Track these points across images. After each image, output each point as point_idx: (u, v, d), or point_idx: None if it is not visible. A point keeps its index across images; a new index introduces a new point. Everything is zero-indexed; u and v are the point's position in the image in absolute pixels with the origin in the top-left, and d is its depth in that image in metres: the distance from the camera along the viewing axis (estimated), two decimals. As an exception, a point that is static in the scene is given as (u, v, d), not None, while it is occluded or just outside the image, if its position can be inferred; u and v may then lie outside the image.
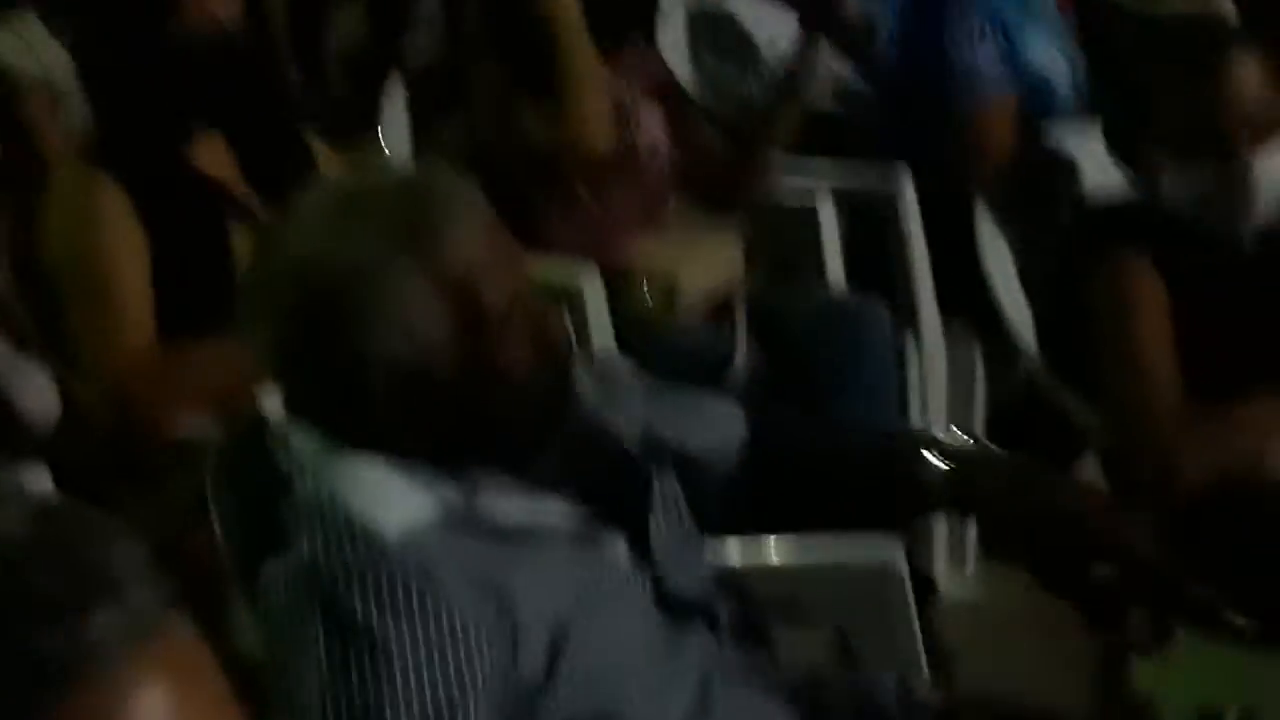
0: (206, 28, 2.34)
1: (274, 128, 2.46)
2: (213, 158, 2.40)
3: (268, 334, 1.45)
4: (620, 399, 1.62)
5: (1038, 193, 2.55)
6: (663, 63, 3.11)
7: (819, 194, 3.18)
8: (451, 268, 1.40)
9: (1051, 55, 3.18)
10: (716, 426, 1.68)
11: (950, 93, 3.10)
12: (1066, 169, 2.54)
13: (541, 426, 1.48)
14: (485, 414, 1.43)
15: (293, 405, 1.48)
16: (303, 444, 1.45)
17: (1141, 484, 2.14)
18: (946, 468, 1.59)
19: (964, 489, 1.60)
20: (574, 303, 2.72)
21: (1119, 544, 1.54)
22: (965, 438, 1.63)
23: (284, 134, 2.50)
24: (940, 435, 1.63)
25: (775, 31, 3.63)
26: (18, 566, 0.77)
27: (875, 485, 1.68)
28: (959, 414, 3.14)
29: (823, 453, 1.71)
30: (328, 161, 2.52)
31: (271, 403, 1.57)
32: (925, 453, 1.60)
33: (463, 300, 1.40)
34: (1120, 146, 2.32)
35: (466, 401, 1.41)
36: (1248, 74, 2.19)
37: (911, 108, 3.20)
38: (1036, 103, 3.12)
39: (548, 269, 2.70)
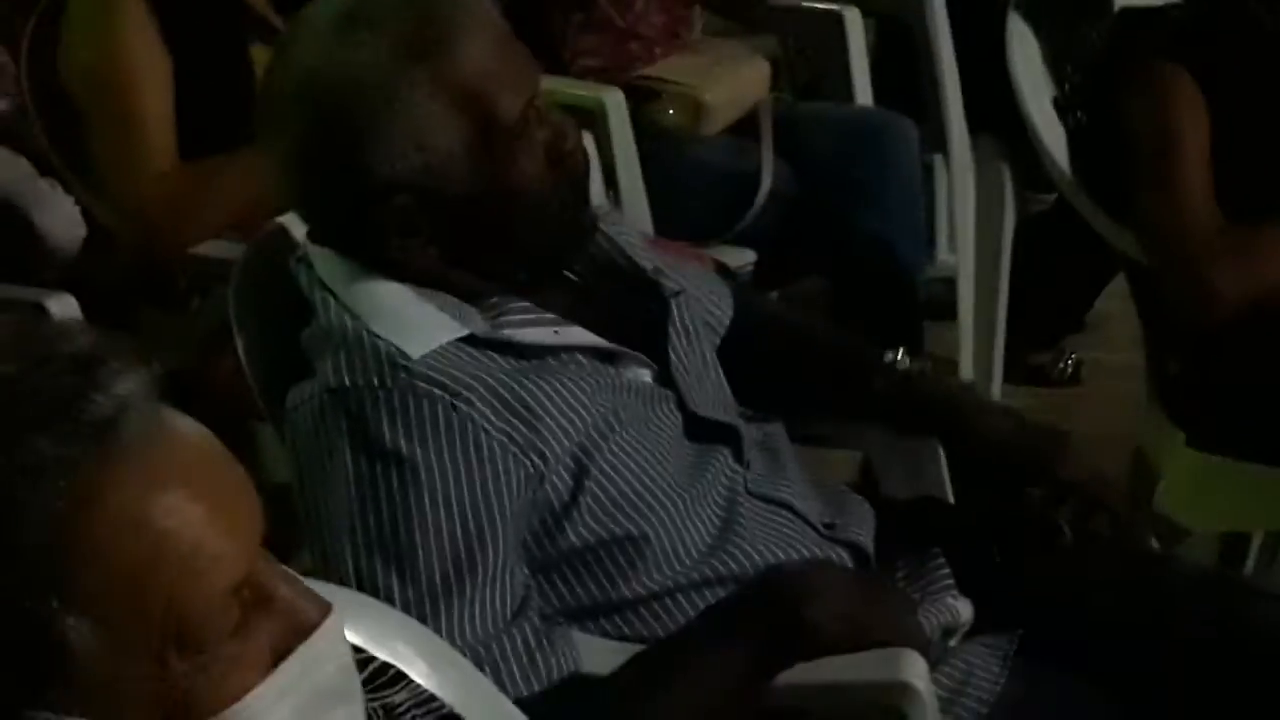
0: None
1: None
2: None
3: (282, 154, 1.42)
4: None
5: (1071, 1, 2.49)
6: None
7: (845, 1, 3.12)
8: (463, 78, 1.37)
9: None
10: (712, 295, 1.68)
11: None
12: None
13: (561, 241, 1.47)
14: (503, 230, 1.41)
15: (313, 230, 1.47)
16: (325, 269, 1.44)
17: (1177, 305, 2.12)
18: (891, 385, 1.63)
19: (907, 409, 1.64)
20: (597, 121, 2.68)
21: (1047, 470, 1.57)
22: (918, 363, 1.66)
23: None
24: (894, 358, 1.65)
25: None
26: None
27: (830, 386, 1.70)
28: (987, 233, 3.12)
29: (787, 350, 1.72)
30: None
31: (293, 225, 1.56)
32: (876, 370, 1.64)
33: (475, 112, 1.38)
34: None
35: (483, 217, 1.40)
36: None
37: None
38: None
39: (569, 87, 2.67)
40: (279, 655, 0.87)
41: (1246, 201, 2.09)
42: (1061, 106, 2.44)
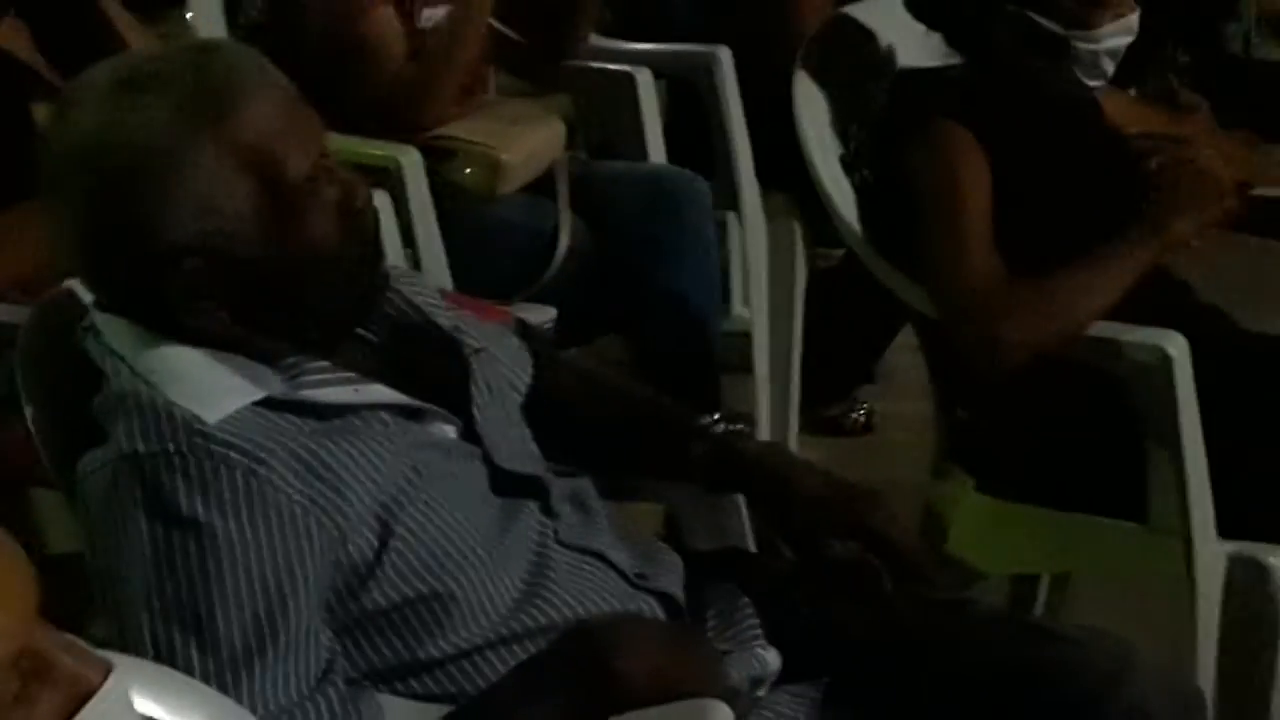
0: None
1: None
2: (11, 34, 2.30)
3: (66, 220, 1.39)
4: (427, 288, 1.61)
5: (847, 61, 2.55)
6: None
7: (637, 63, 3.17)
8: (249, 140, 1.36)
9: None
10: (512, 358, 1.67)
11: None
12: (869, 35, 2.55)
13: (353, 299, 1.46)
14: (294, 290, 1.40)
15: (100, 297, 1.43)
16: (115, 337, 1.41)
17: (966, 356, 2.18)
18: (708, 448, 1.64)
19: (722, 471, 1.65)
20: (393, 180, 2.67)
21: (858, 524, 1.59)
22: (732, 423, 1.68)
23: (83, 7, 2.39)
24: (707, 420, 1.67)
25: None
26: None
27: (647, 448, 1.71)
28: (780, 286, 3.18)
29: (600, 412, 1.72)
30: (134, 36, 2.42)
31: (79, 289, 1.52)
32: (694, 433, 1.65)
33: (263, 173, 1.36)
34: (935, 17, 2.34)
35: (274, 278, 1.38)
36: None
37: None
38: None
39: (363, 146, 2.65)
40: None
41: (1028, 254, 2.16)
42: (848, 164, 2.50)
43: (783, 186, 3.09)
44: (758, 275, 3.18)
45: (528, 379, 1.66)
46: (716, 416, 1.67)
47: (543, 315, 2.68)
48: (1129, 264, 2.15)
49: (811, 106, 2.52)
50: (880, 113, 2.37)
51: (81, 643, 0.91)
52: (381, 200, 2.61)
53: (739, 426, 1.69)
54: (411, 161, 2.69)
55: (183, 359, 1.38)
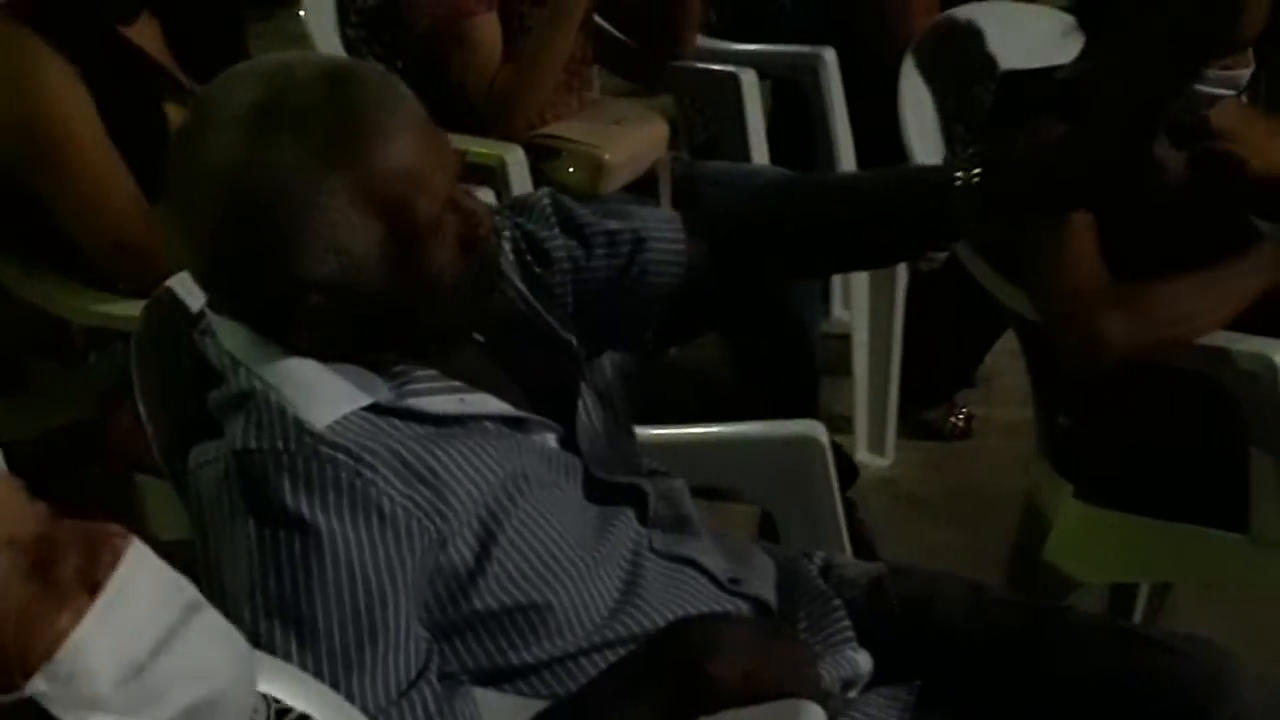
0: None
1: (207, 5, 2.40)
2: (145, 33, 2.33)
3: (195, 239, 1.40)
4: (552, 255, 1.59)
5: (954, 60, 2.53)
6: None
7: (741, 63, 3.18)
8: (382, 185, 1.36)
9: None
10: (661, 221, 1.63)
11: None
12: (978, 35, 2.53)
13: (468, 322, 1.47)
14: (411, 317, 1.41)
15: (221, 307, 1.45)
16: (232, 342, 1.43)
17: (1068, 356, 2.15)
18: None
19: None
20: (497, 177, 2.70)
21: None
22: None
23: (217, 11, 2.44)
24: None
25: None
26: None
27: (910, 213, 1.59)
28: (881, 290, 3.17)
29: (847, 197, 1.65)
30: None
31: (185, 291, 1.55)
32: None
33: (393, 217, 1.37)
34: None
35: (394, 309, 1.40)
36: None
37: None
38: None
39: (470, 144, 2.68)
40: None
41: (1128, 264, 2.14)
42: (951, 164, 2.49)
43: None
44: (858, 278, 3.17)
45: (679, 251, 1.60)
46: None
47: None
48: (1241, 285, 2.13)
49: (916, 107, 2.52)
50: (984, 114, 2.36)
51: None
52: (486, 197, 2.65)
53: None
54: (516, 159, 2.72)
55: (296, 365, 1.41)
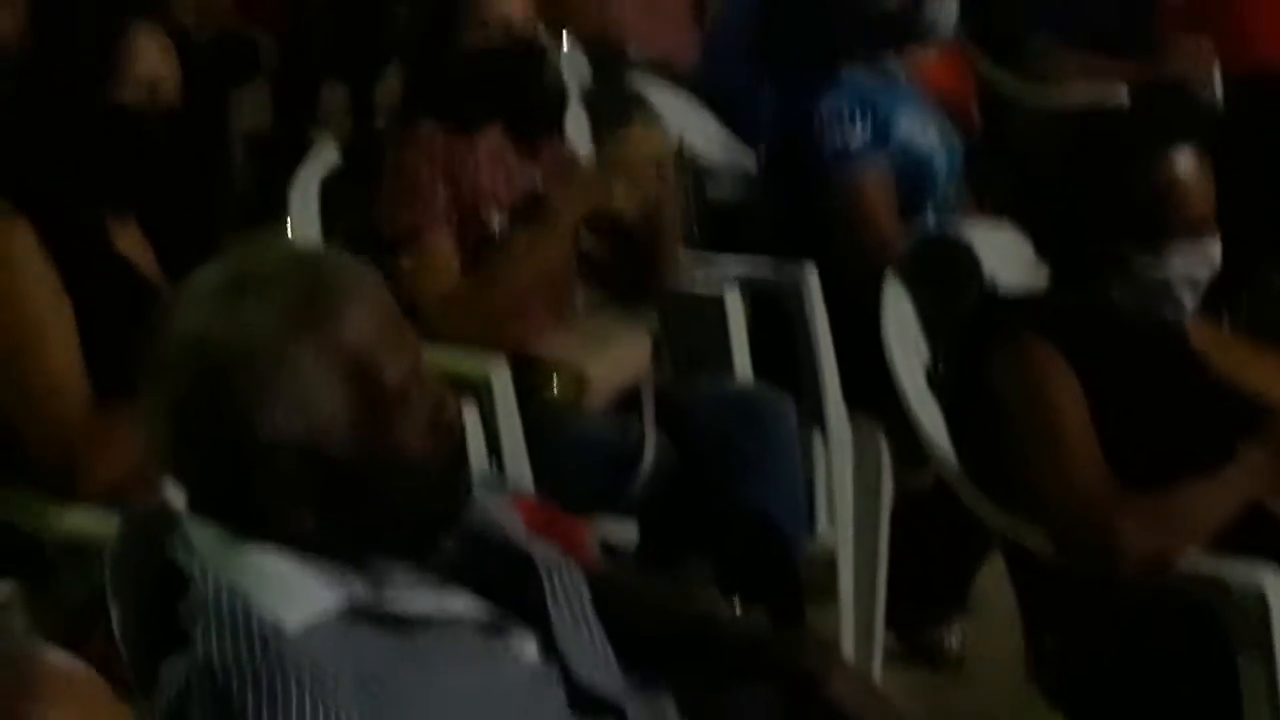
0: (143, 98, 2.31)
1: (192, 211, 2.43)
2: (130, 242, 2.36)
3: (165, 412, 1.41)
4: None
5: (939, 276, 2.56)
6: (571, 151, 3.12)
7: (726, 284, 3.20)
8: (350, 345, 1.39)
9: (927, 137, 3.24)
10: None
11: (823, 175, 3.15)
12: (967, 254, 2.56)
13: (439, 509, 1.47)
14: (382, 496, 1.41)
15: (191, 496, 1.45)
16: (202, 538, 1.42)
17: (1085, 565, 2.12)
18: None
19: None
20: (480, 391, 2.70)
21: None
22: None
23: (202, 220, 2.47)
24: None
25: (684, 119, 3.68)
26: None
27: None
28: (866, 509, 3.14)
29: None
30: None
31: (171, 495, 1.53)
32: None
33: (361, 379, 1.39)
34: (1037, 240, 2.35)
35: (363, 482, 1.40)
36: (1185, 169, 2.22)
37: (797, 196, 3.24)
38: (915, 175, 3.18)
39: (452, 357, 2.69)
40: None
41: (1133, 479, 2.12)
42: (936, 384, 2.49)
43: (869, 405, 3.08)
44: (843, 496, 3.15)
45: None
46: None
47: (626, 533, 2.67)
48: (1241, 490, 2.11)
49: (899, 323, 2.53)
50: (967, 332, 2.37)
51: None
52: (469, 410, 2.64)
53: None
54: (500, 374, 2.72)
55: (268, 560, 1.39)
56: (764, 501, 2.75)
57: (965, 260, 2.55)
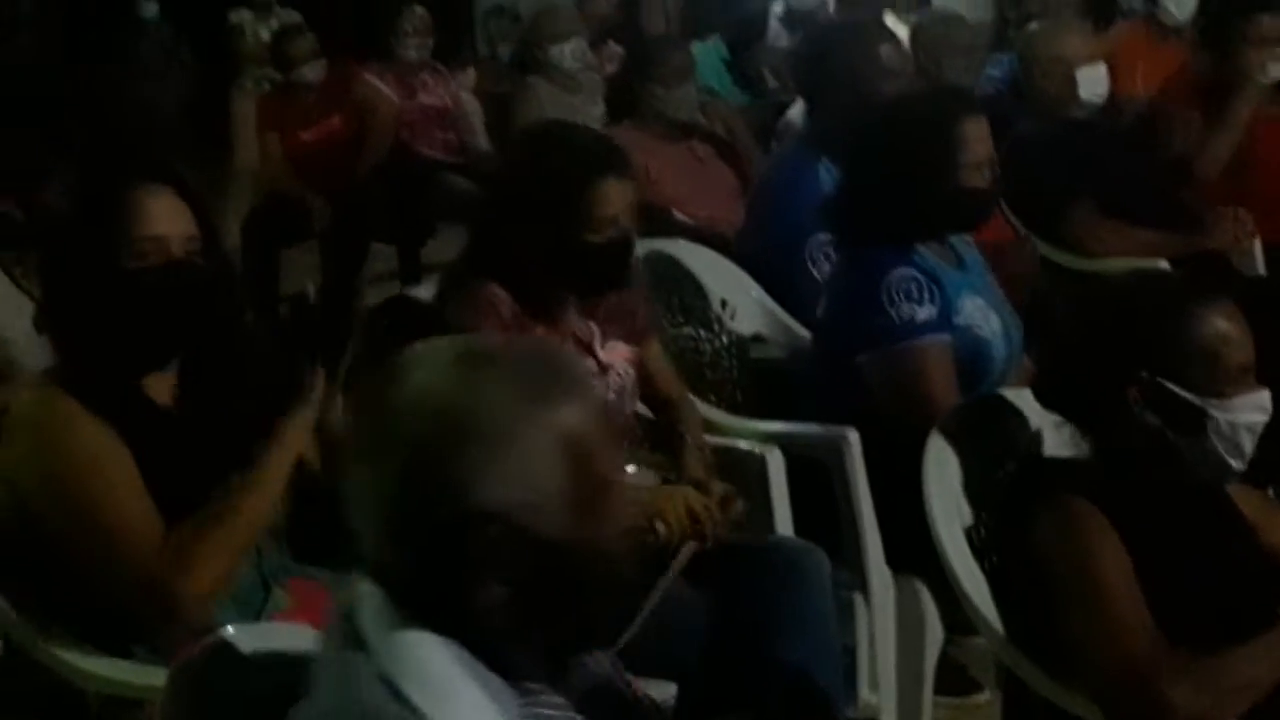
0: (163, 258, 2.30)
1: (230, 363, 2.43)
2: (161, 390, 2.37)
3: (379, 472, 1.44)
4: None
5: (984, 437, 2.56)
6: (638, 305, 3.12)
7: (767, 443, 3.21)
8: (574, 428, 1.44)
9: (989, 324, 3.24)
10: None
11: (887, 343, 3.15)
12: (1014, 415, 2.56)
13: (622, 607, 1.52)
14: (578, 582, 1.45)
15: (386, 557, 1.45)
16: (371, 612, 1.42)
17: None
18: None
19: None
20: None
21: None
22: None
23: (239, 371, 2.46)
24: None
25: (728, 284, 3.72)
26: None
27: None
28: (908, 674, 3.11)
29: None
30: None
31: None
32: None
33: (579, 462, 1.44)
34: (1066, 404, 2.35)
35: (565, 565, 1.43)
36: (1225, 324, 2.23)
37: (851, 361, 3.24)
38: (974, 359, 3.18)
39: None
40: None
41: (1176, 642, 2.10)
42: (978, 548, 2.48)
43: (912, 569, 3.07)
44: (885, 658, 3.12)
45: None
46: None
47: (664, 691, 2.65)
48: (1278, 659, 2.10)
49: (942, 483, 2.53)
50: (1012, 494, 2.37)
51: None
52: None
53: None
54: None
55: (436, 656, 1.41)
56: (800, 654, 2.71)
57: (1012, 421, 2.56)
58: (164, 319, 2.32)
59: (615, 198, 2.85)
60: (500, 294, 2.86)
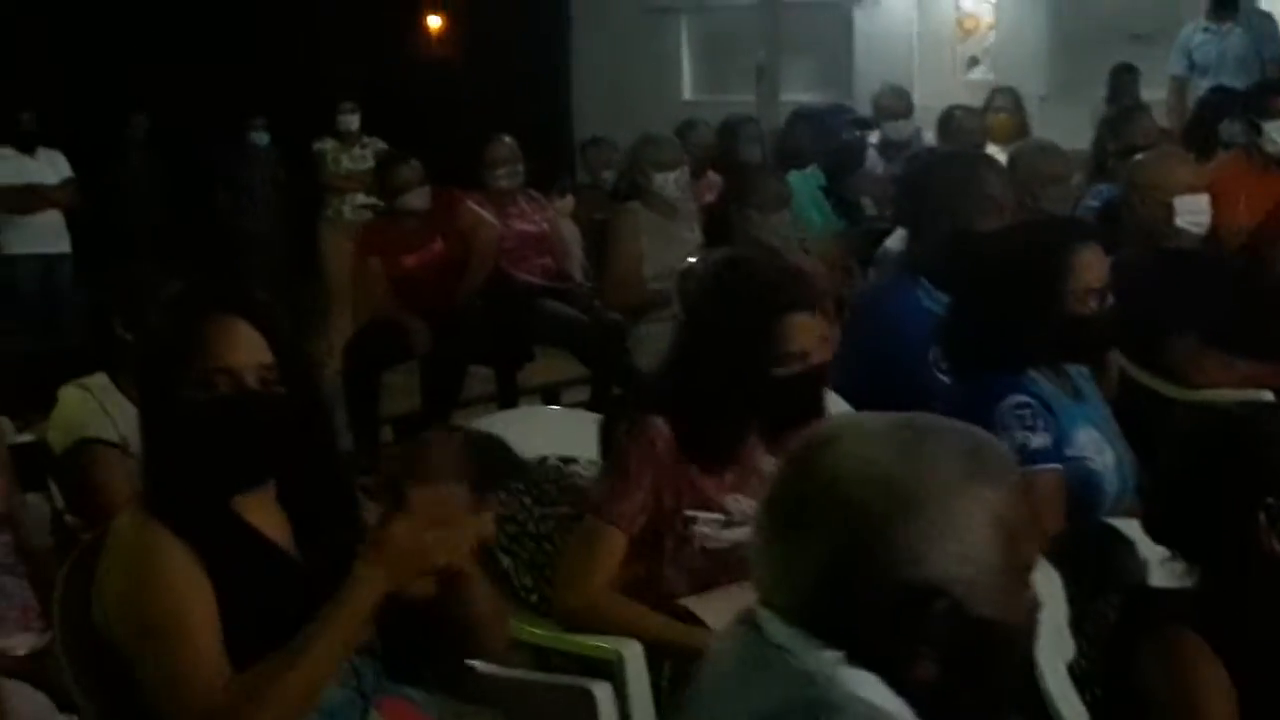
0: (234, 388, 2.30)
1: (324, 485, 2.44)
2: (263, 514, 2.38)
3: (814, 540, 1.44)
4: None
5: (1093, 567, 2.52)
6: None
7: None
8: (1011, 508, 1.45)
9: (1102, 458, 3.20)
10: None
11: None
12: (1122, 544, 2.52)
13: (1018, 690, 1.52)
14: (1003, 662, 1.45)
15: (811, 623, 1.44)
16: (815, 658, 1.42)
17: None
18: None
19: None
20: (614, 670, 2.68)
21: None
22: None
23: (335, 492, 2.46)
24: None
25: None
26: None
27: None
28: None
29: None
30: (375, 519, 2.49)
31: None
32: None
33: (1011, 543, 1.44)
34: (1178, 535, 2.31)
35: (995, 644, 1.43)
36: None
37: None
38: (1084, 491, 3.13)
39: (586, 640, 2.68)
40: None
41: None
42: (1079, 679, 2.44)
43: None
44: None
45: None
46: None
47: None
48: None
49: (1046, 616, 2.48)
50: (1116, 625, 2.33)
51: None
52: (602, 691, 2.63)
53: None
54: (633, 654, 2.71)
55: (888, 699, 1.40)
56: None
57: (1119, 550, 2.52)
58: (232, 448, 2.32)
59: (804, 331, 2.83)
60: (663, 430, 2.83)
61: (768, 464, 2.84)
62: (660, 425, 2.82)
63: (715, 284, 2.97)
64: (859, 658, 1.42)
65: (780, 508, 1.48)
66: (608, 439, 2.92)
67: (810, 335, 2.83)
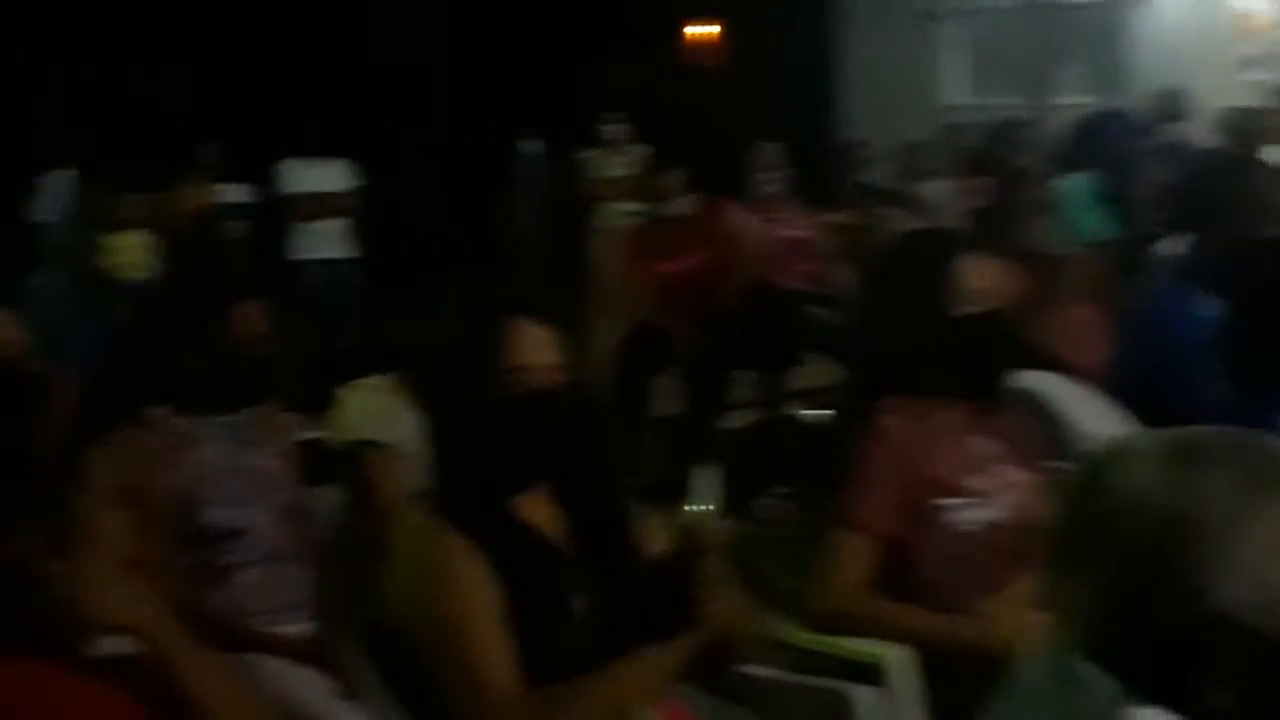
0: (528, 387, 2.36)
1: (599, 486, 2.48)
2: (539, 511, 2.42)
3: (1094, 576, 1.42)
4: None
5: None
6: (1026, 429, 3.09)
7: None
8: None
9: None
10: None
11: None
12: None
13: None
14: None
15: (1101, 658, 1.42)
16: (1102, 689, 1.39)
17: None
18: None
19: None
20: (882, 676, 2.67)
21: None
22: None
23: (608, 493, 2.50)
24: None
25: (1094, 417, 3.64)
26: None
27: None
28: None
29: None
30: (649, 525, 2.51)
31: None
32: None
33: None
34: None
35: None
36: None
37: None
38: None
39: (851, 644, 2.68)
40: None
41: None
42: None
43: None
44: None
45: None
46: None
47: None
48: None
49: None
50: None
51: None
52: (861, 695, 2.63)
53: None
54: (898, 658, 2.69)
55: None
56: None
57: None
58: (529, 445, 2.38)
59: (975, 272, 2.90)
60: (894, 423, 2.87)
61: (978, 444, 2.89)
62: (890, 418, 2.86)
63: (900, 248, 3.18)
64: (1149, 691, 1.37)
65: (1057, 545, 1.45)
66: (842, 441, 2.92)
67: (984, 276, 2.93)
